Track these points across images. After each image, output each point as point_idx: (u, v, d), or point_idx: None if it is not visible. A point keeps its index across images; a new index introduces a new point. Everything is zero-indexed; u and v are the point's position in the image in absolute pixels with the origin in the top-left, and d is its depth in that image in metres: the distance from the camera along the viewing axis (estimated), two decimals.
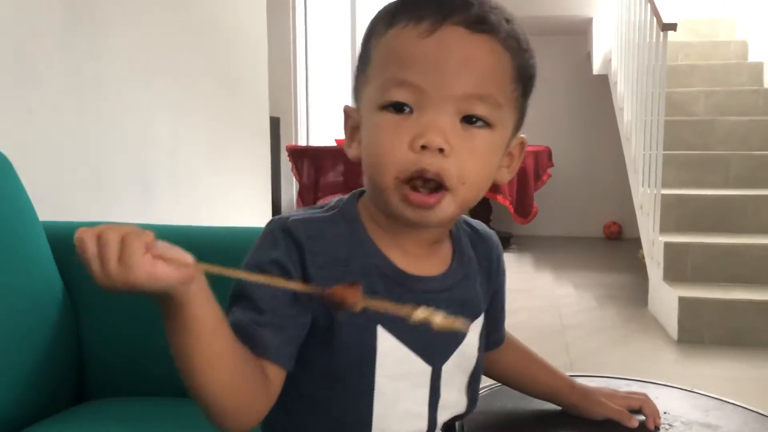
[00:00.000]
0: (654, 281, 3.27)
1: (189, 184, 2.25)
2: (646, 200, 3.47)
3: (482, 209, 5.34)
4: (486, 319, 0.75)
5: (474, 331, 0.73)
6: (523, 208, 4.98)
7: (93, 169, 1.73)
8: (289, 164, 5.18)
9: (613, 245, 5.29)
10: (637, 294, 3.53)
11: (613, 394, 0.84)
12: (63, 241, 1.30)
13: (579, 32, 5.37)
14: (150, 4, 2.00)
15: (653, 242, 3.28)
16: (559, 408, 0.86)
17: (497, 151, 0.65)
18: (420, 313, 0.54)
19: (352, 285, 0.55)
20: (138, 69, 1.93)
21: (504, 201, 4.92)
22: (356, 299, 0.54)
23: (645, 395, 0.84)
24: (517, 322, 3.01)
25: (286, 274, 0.61)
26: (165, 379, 1.16)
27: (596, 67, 5.07)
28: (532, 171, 5.02)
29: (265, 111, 2.99)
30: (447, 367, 0.69)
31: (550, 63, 5.72)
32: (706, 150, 3.84)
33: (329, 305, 0.57)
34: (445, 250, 0.72)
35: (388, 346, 0.65)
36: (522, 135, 0.71)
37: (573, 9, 4.95)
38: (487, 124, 0.62)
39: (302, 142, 6.43)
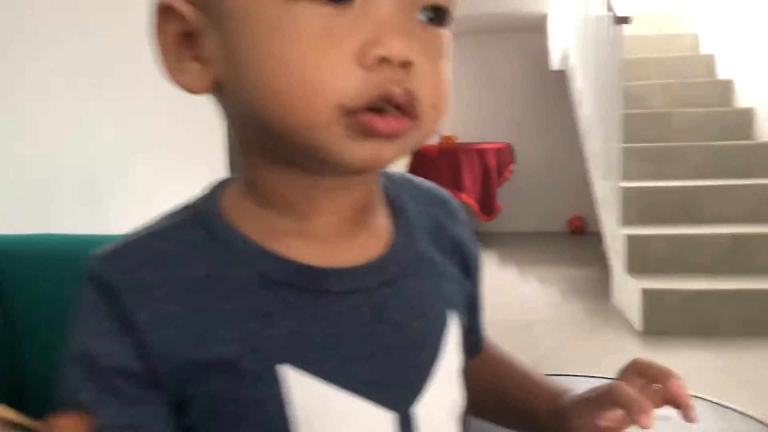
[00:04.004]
0: (617, 274, 3.29)
1: (142, 191, 2.18)
2: (607, 193, 3.49)
3: None
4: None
5: (453, 342, 0.49)
6: (487, 205, 4.99)
7: (35, 178, 1.66)
8: None
9: (577, 239, 5.32)
10: (601, 287, 3.54)
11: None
12: (2, 254, 1.23)
13: (535, 29, 5.40)
14: (98, 9, 1.93)
15: (615, 235, 3.30)
16: None
17: None
18: None
19: None
20: (80, 72, 1.87)
21: (468, 199, 4.92)
22: None
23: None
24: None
25: (92, 367, 0.42)
26: None
27: (554, 63, 5.10)
28: (495, 168, 5.04)
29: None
30: (422, 410, 0.45)
31: (508, 60, 5.75)
32: (664, 142, 3.89)
33: None
34: (380, 222, 0.48)
35: (309, 394, 0.42)
36: None
37: (527, 5, 4.96)
38: (444, 21, 0.42)
39: None
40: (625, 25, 3.20)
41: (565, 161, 5.55)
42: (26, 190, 1.61)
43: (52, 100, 1.73)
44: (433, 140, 5.11)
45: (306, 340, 0.42)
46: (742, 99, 4.10)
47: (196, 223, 0.45)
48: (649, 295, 2.81)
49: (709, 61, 4.55)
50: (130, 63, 2.16)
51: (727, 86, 4.26)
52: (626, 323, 2.96)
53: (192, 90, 0.43)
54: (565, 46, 4.84)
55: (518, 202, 5.65)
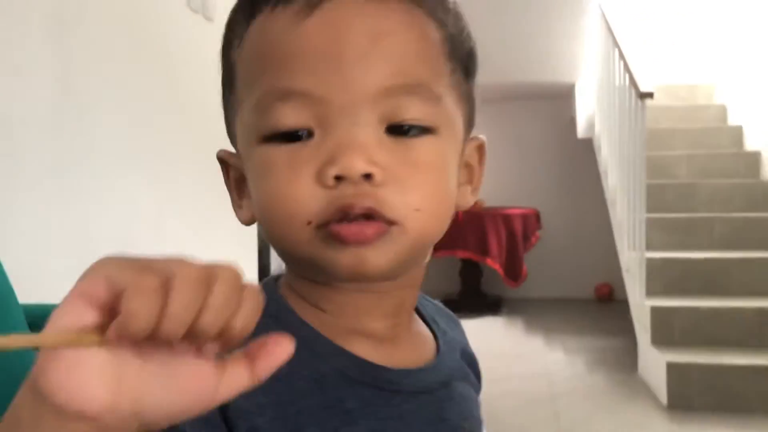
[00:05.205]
0: (642, 345, 3.26)
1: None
2: (632, 263, 3.49)
3: (472, 272, 5.36)
4: None
5: None
6: (513, 270, 5.00)
7: (77, 248, 1.74)
8: None
9: (605, 307, 5.28)
10: (627, 358, 3.51)
11: None
12: (43, 324, 1.30)
13: (563, 97, 5.50)
14: (138, 85, 2.06)
15: (640, 306, 3.29)
16: None
17: (452, 162, 0.46)
18: None
19: None
20: (123, 147, 1.98)
21: (494, 264, 4.95)
22: None
23: None
24: (506, 390, 2.99)
25: None
26: None
27: (580, 131, 5.17)
28: (521, 233, 5.07)
29: None
30: None
31: (536, 127, 5.84)
32: (690, 212, 3.89)
33: None
34: (423, 329, 0.53)
35: None
36: (480, 136, 0.52)
37: (556, 75, 5.08)
38: (427, 130, 0.43)
39: None
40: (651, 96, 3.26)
41: (593, 228, 5.56)
42: (66, 260, 1.70)
43: (97, 175, 1.83)
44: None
45: None
46: None
47: (267, 316, 0.40)
48: (674, 369, 2.79)
49: (736, 133, 4.58)
50: (171, 140, 2.28)
51: (754, 158, 4.27)
52: (652, 397, 2.92)
53: (243, 222, 0.50)
54: (591, 115, 4.92)
55: (545, 268, 5.65)
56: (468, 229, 4.98)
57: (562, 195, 5.79)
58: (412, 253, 0.44)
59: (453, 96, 0.46)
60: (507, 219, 5.00)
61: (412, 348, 0.50)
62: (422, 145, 0.43)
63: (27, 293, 1.25)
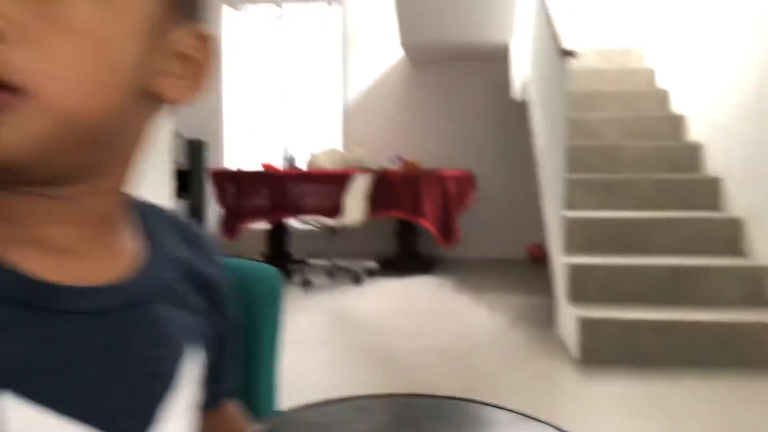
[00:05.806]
0: (560, 302, 3.33)
1: None
2: (553, 222, 3.54)
3: (408, 233, 5.38)
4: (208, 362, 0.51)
5: (190, 375, 0.47)
6: (447, 231, 5.03)
7: None
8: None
9: (536, 267, 5.37)
10: (547, 315, 3.58)
11: None
12: None
13: (498, 58, 5.50)
14: None
15: (558, 264, 3.35)
16: None
17: (126, 37, 0.38)
18: None
19: None
20: None
21: (427, 224, 4.96)
22: None
23: None
24: (426, 345, 3.02)
25: None
26: None
27: (515, 93, 5.19)
28: (455, 195, 5.09)
29: (167, 130, 2.95)
30: None
31: (472, 89, 5.84)
32: (614, 173, 3.96)
33: None
34: (128, 244, 0.45)
35: (30, 424, 0.37)
36: (199, 26, 0.44)
37: (489, 35, 5.07)
38: None
39: (230, 166, 6.37)
40: (582, 59, 3.29)
41: (527, 190, 5.63)
42: None
43: None
44: (394, 164, 5.16)
45: (27, 364, 0.37)
46: (693, 134, 4.20)
47: None
48: (586, 324, 2.85)
49: (662, 96, 4.66)
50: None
51: (678, 121, 4.36)
52: (565, 351, 2.99)
53: None
54: (525, 76, 4.93)
55: (480, 229, 5.71)
56: (403, 190, 4.98)
57: (497, 157, 5.83)
58: (58, 135, 0.36)
59: None
60: (442, 180, 5.01)
61: (103, 263, 0.42)
62: (75, 4, 0.36)
63: None
